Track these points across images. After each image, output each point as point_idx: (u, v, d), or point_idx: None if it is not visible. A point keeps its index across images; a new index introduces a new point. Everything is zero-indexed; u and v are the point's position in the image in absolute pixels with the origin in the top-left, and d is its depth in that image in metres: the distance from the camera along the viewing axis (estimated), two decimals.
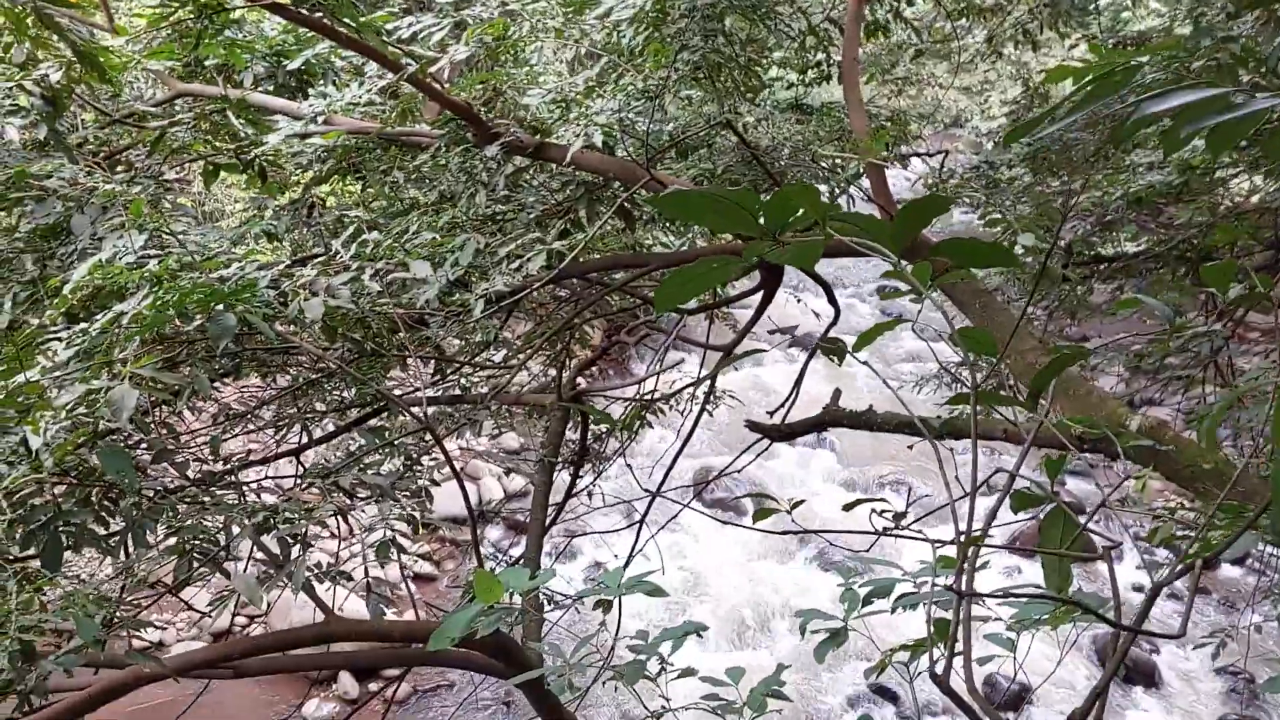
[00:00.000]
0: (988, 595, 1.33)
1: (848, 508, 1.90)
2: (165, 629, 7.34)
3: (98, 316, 2.30)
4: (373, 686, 7.32)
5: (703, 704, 2.12)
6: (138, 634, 2.45)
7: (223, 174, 3.94)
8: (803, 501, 2.12)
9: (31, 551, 2.21)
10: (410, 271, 2.57)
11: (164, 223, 2.91)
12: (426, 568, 8.57)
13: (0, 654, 1.86)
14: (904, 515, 1.83)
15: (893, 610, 2.18)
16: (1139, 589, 8.50)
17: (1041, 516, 1.53)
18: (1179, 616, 7.79)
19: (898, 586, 2.25)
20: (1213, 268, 1.76)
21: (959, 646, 1.46)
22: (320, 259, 2.60)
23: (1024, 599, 1.64)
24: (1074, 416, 3.12)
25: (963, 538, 1.44)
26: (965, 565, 1.29)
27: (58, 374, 2.26)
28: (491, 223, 3.39)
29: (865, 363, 1.65)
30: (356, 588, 2.82)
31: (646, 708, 2.06)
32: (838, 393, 4.51)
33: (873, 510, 1.86)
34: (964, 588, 1.23)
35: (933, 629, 1.91)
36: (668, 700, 2.13)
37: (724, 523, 3.12)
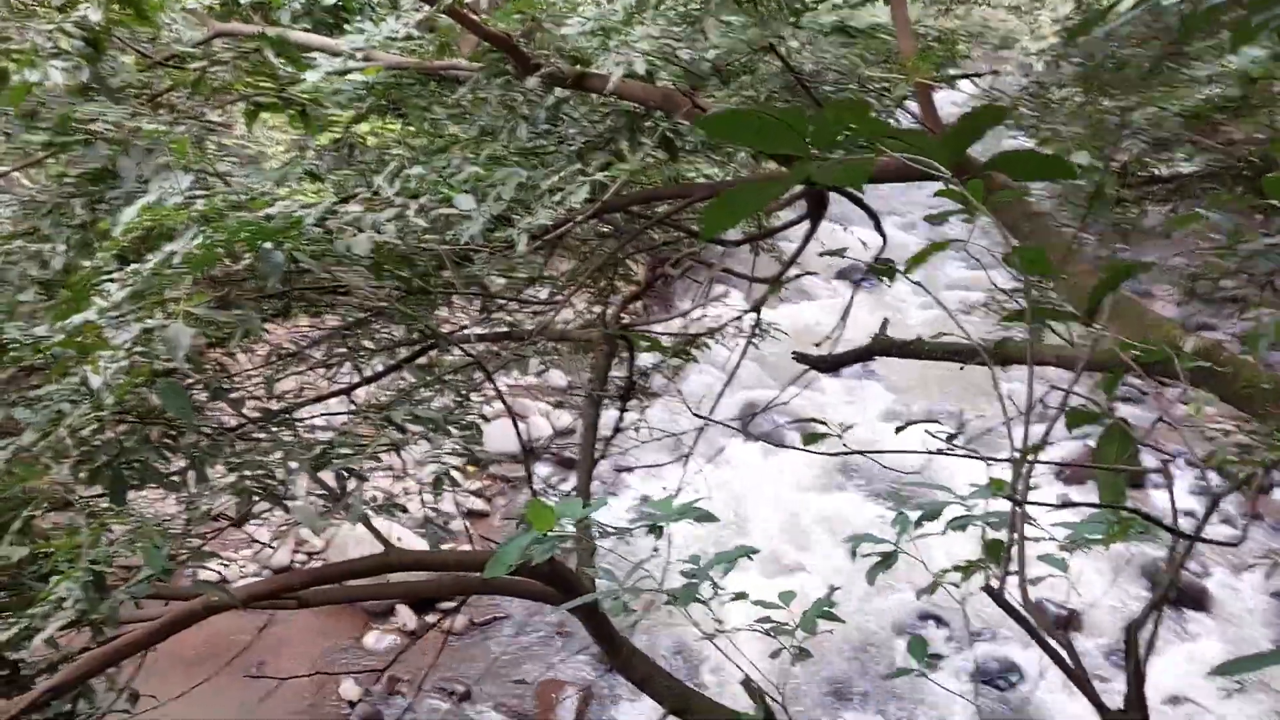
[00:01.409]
0: (1043, 504, 1.32)
1: (900, 429, 1.88)
2: (228, 565, 7.57)
3: (149, 258, 2.33)
4: (429, 619, 7.50)
5: (756, 626, 2.14)
6: (203, 566, 2.52)
7: (264, 115, 3.94)
8: (853, 425, 2.11)
9: (98, 490, 2.28)
10: (454, 206, 2.57)
11: (209, 163, 2.93)
12: (478, 504, 8.71)
13: (74, 585, 1.93)
14: (956, 436, 1.81)
15: (944, 532, 2.18)
16: (1190, 514, 8.42)
17: (1096, 437, 1.50)
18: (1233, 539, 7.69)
19: (949, 509, 2.24)
20: (1275, 178, 1.70)
21: (1013, 564, 1.46)
22: (364, 197, 2.61)
23: (1081, 506, 1.62)
24: (1128, 337, 3.05)
25: (1017, 455, 1.42)
26: (1021, 477, 1.28)
27: (113, 314, 2.30)
28: (533, 156, 3.37)
29: (918, 283, 1.63)
30: (412, 522, 2.89)
31: (701, 631, 2.09)
32: (885, 322, 4.47)
33: (925, 431, 1.85)
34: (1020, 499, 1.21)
35: (986, 549, 1.90)
36: (720, 623, 2.16)
37: (778, 445, 3.11)
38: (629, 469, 6.87)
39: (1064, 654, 1.20)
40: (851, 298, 4.38)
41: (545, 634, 7.47)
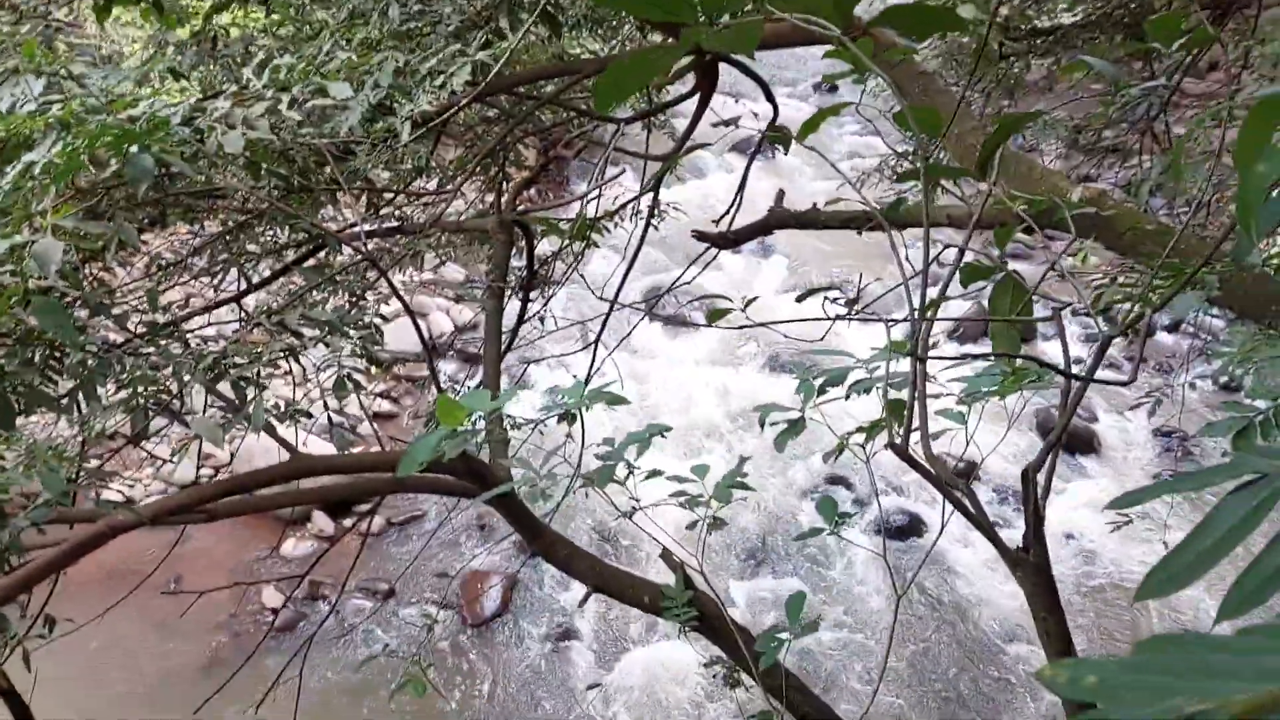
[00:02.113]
0: (942, 358, 1.36)
1: (801, 298, 1.91)
2: (132, 485, 7.39)
3: (7, 170, 2.18)
4: (346, 523, 7.49)
5: (671, 501, 2.19)
6: (105, 486, 2.45)
7: (115, 11, 3.68)
8: (756, 298, 2.13)
9: None
10: (330, 95, 2.45)
11: (62, 65, 2.73)
12: (385, 406, 8.63)
13: None
14: (855, 301, 1.84)
15: (847, 396, 2.23)
16: (1079, 361, 8.82)
17: (990, 291, 1.54)
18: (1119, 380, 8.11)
19: (852, 375, 2.29)
20: (1158, 19, 1.73)
21: (915, 421, 1.50)
22: (233, 92, 2.47)
23: (977, 359, 1.68)
24: (1017, 191, 3.13)
25: (915, 315, 1.45)
26: (920, 334, 1.31)
27: None
28: (408, 39, 3.22)
29: (811, 148, 1.62)
30: (318, 429, 2.83)
31: (618, 509, 2.12)
32: (781, 194, 4.49)
33: (825, 299, 1.87)
34: (919, 354, 1.24)
35: (888, 408, 1.96)
36: (637, 500, 2.20)
37: (683, 325, 3.14)
38: (536, 360, 6.86)
39: (966, 501, 1.25)
40: (746, 170, 4.36)
41: (465, 528, 7.54)
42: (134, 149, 2.15)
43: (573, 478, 2.25)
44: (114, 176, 2.42)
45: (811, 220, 4.34)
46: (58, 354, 2.33)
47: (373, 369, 3.06)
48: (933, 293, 1.53)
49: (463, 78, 2.83)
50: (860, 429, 2.14)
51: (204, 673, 6.51)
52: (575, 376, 4.67)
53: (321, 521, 7.53)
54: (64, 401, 2.30)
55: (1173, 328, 9.22)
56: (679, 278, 5.05)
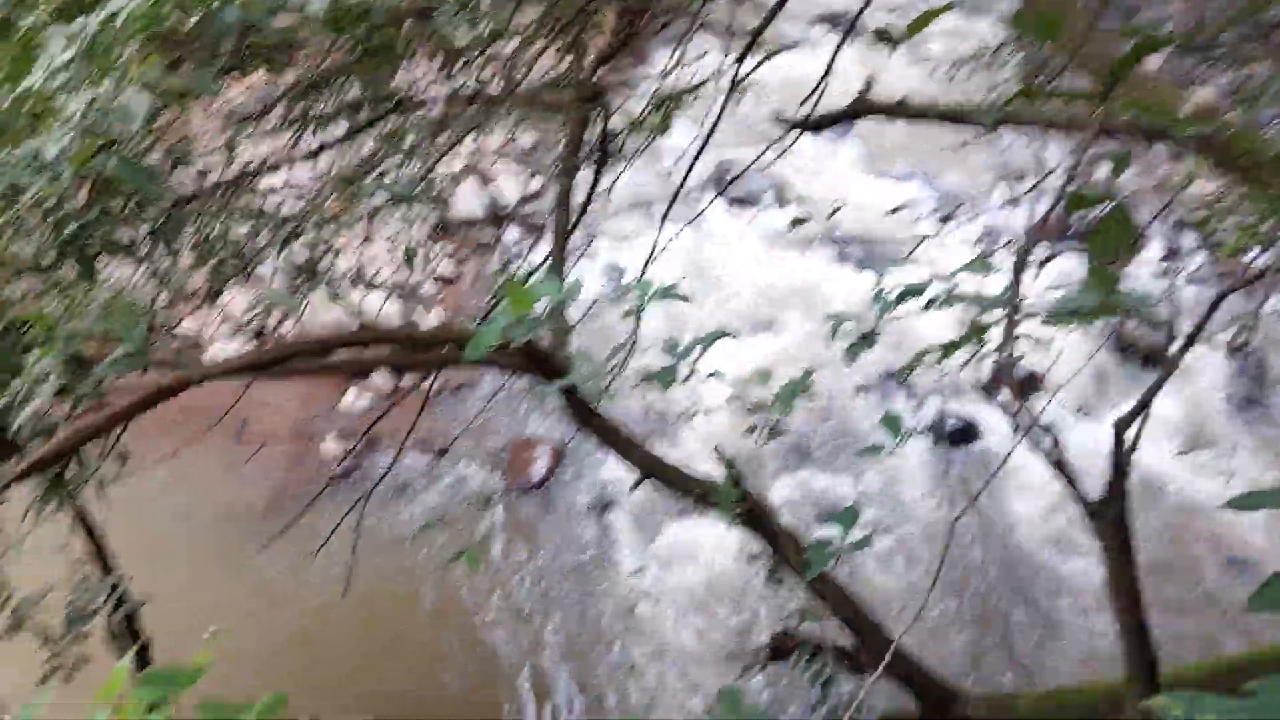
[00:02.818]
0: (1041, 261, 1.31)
1: (892, 212, 1.84)
2: (203, 341, 7.58)
3: (90, 17, 2.16)
4: (405, 383, 7.64)
5: (727, 406, 2.17)
6: (181, 340, 2.50)
7: None
8: (841, 207, 2.06)
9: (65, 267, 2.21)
10: None
11: None
12: (449, 268, 8.67)
13: (53, 361, 1.91)
14: (950, 218, 1.77)
15: (925, 309, 2.18)
16: (1163, 275, 8.54)
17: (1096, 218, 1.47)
18: (1201, 304, 7.81)
19: (930, 287, 2.23)
20: None
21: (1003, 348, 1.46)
22: None
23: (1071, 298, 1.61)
24: (1129, 101, 2.96)
25: (1013, 237, 1.39)
26: (1023, 263, 1.26)
27: (61, 77, 2.16)
28: None
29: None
30: (385, 293, 2.86)
31: (679, 412, 2.12)
32: (870, 82, 4.30)
33: (899, 209, 1.80)
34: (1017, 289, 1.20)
35: (970, 330, 1.91)
36: (698, 402, 2.20)
37: (755, 207, 3.07)
38: (602, 235, 6.81)
39: (1049, 448, 1.22)
40: (835, 52, 4.17)
41: (518, 395, 7.65)
42: (217, 2, 2.12)
43: (621, 358, 2.25)
44: (197, 27, 2.38)
45: (903, 111, 4.16)
46: (138, 206, 2.35)
47: (442, 234, 3.05)
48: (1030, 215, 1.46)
49: None
50: (942, 345, 2.09)
51: (263, 513, 6.79)
52: (639, 253, 4.62)
53: (381, 379, 7.69)
54: (141, 252, 2.34)
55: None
56: (754, 160, 4.94)
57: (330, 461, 7.20)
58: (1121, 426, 1.20)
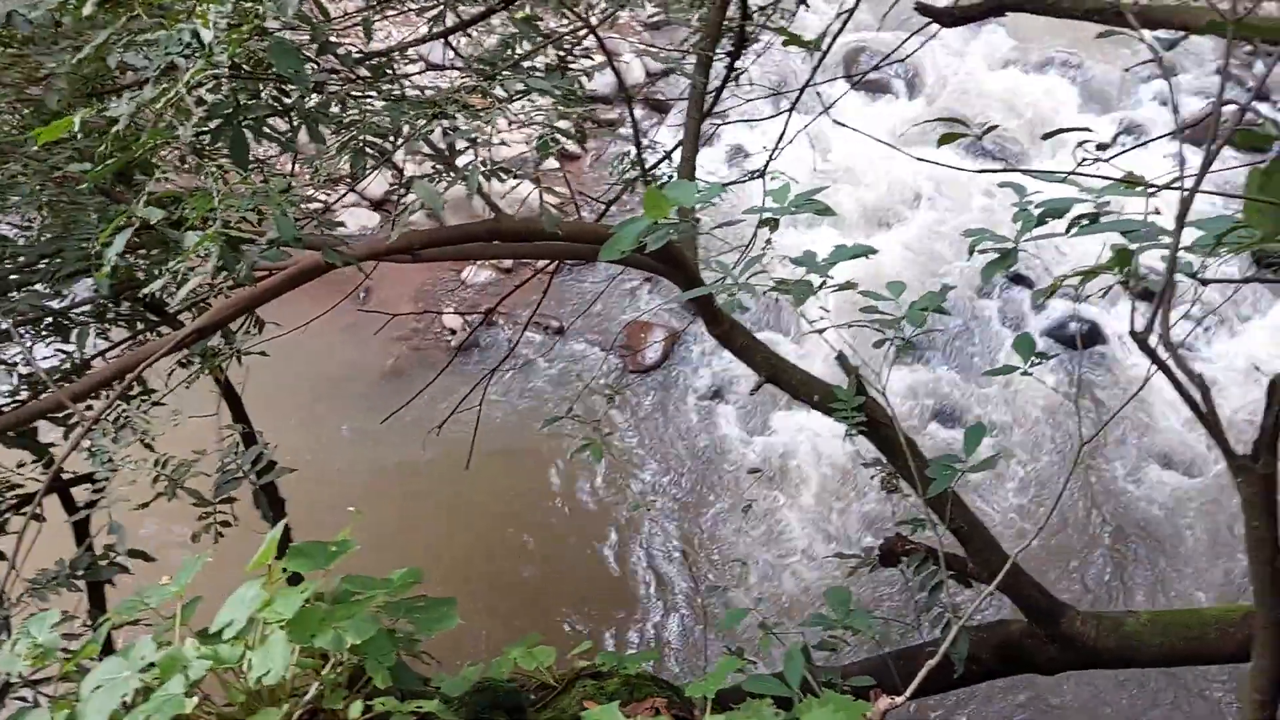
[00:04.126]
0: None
1: (1046, 137, 1.77)
2: (343, 223, 7.75)
3: None
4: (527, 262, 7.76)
5: (863, 318, 2.16)
6: (327, 227, 2.59)
7: None
8: (995, 126, 1.98)
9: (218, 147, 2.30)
10: None
11: None
12: (572, 147, 8.65)
13: (211, 244, 2.02)
14: (1107, 147, 1.69)
15: (1068, 230, 2.11)
16: None
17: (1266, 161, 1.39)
18: None
19: (1077, 206, 2.15)
20: None
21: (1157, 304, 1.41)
22: None
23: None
24: None
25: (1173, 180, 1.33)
26: (1183, 215, 1.21)
27: None
28: None
29: None
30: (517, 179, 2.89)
31: (809, 323, 2.12)
32: None
33: (1079, 141, 1.73)
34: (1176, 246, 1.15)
35: (1115, 257, 1.85)
36: (828, 311, 2.19)
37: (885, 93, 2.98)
38: (729, 121, 6.65)
39: (1199, 398, 1.19)
40: None
41: (637, 281, 7.70)
42: None
43: (753, 271, 2.24)
44: None
45: (1052, 7, 3.94)
46: (285, 91, 2.41)
47: (569, 128, 3.05)
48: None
49: None
50: (1079, 272, 2.03)
51: (384, 379, 7.09)
52: (765, 146, 4.53)
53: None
54: (289, 138, 2.41)
55: None
56: (892, 52, 4.75)
57: (450, 332, 7.43)
58: (1277, 383, 1.16)
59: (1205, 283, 1.49)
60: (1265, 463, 1.20)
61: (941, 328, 7.20)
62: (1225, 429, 1.33)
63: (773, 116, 5.02)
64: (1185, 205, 1.16)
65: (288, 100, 2.44)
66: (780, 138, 4.25)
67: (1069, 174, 1.70)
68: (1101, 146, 1.77)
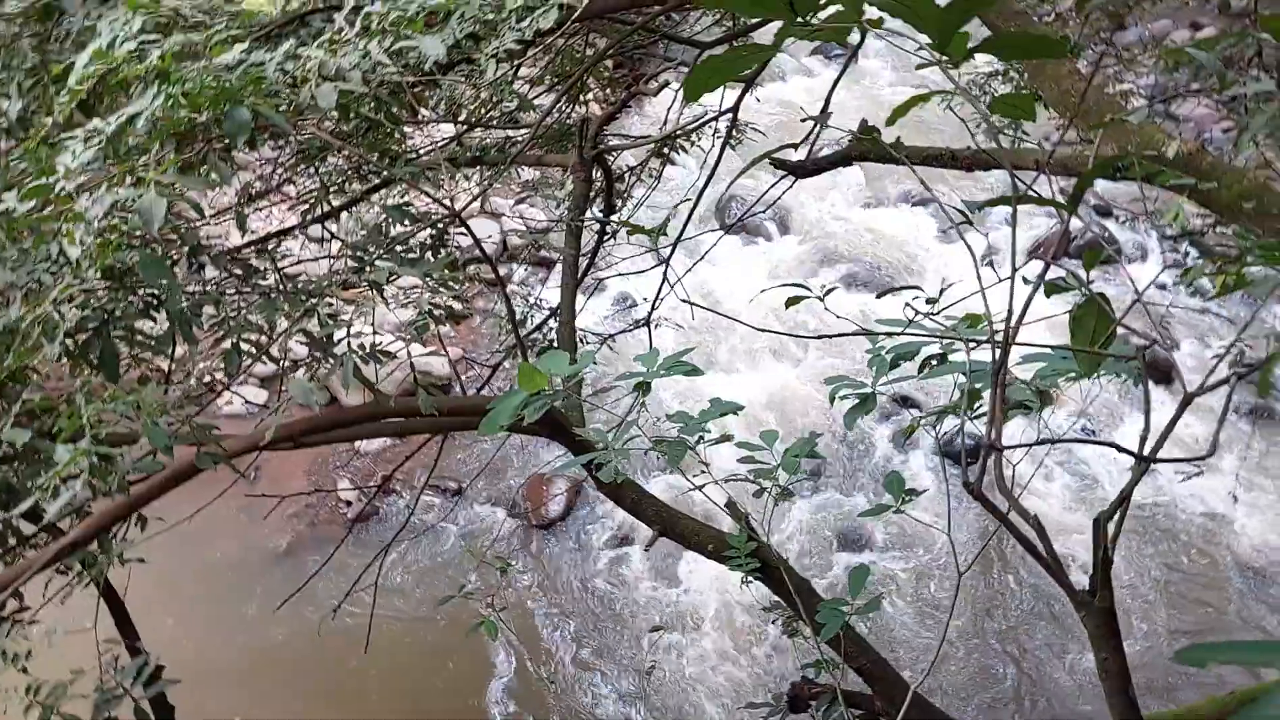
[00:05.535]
0: (1028, 346, 1.37)
1: (880, 295, 1.91)
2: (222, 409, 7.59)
3: (109, 119, 2.26)
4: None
5: (739, 476, 2.24)
6: (206, 433, 2.57)
7: None
8: (834, 289, 2.14)
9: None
10: (420, 47, 2.46)
11: None
12: (459, 307, 8.77)
13: (82, 461, 1.99)
14: (936, 301, 1.84)
15: (919, 375, 2.24)
16: (1162, 287, 8.60)
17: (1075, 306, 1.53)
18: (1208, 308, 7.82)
19: (924, 349, 2.30)
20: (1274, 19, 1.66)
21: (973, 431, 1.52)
22: (326, 40, 2.49)
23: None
24: (1107, 149, 3.04)
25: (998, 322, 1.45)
26: (1001, 361, 1.32)
27: (80, 177, 2.26)
28: None
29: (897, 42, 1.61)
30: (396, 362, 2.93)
31: (690, 480, 2.18)
32: (864, 124, 4.39)
33: (900, 293, 1.87)
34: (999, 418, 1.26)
35: (963, 397, 1.97)
36: (708, 465, 2.26)
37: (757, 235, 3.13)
38: (610, 275, 6.88)
39: (1039, 545, 1.28)
40: (828, 97, 4.27)
41: (534, 437, 7.71)
42: (229, 105, 2.21)
43: (631, 435, 2.31)
44: (212, 123, 2.48)
45: (894, 156, 4.26)
46: (156, 297, 2.43)
47: (453, 302, 3.13)
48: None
49: (550, 20, 2.81)
50: (934, 412, 2.15)
51: (281, 559, 6.87)
52: (646, 299, 4.72)
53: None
54: (161, 345, 2.42)
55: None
56: (755, 202, 5.02)
57: (345, 504, 7.28)
58: (1102, 521, 1.26)
59: (1023, 445, 1.60)
60: (1102, 597, 1.28)
61: (826, 452, 7.38)
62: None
63: (653, 268, 5.25)
64: (1003, 357, 1.27)
65: (160, 301, 2.46)
66: (660, 289, 4.43)
67: (909, 323, 1.83)
68: (930, 301, 1.90)
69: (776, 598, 2.98)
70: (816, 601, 2.67)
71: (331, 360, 2.56)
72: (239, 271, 2.71)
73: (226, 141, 2.52)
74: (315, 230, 3.81)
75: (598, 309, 8.55)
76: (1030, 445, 1.54)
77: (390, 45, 2.45)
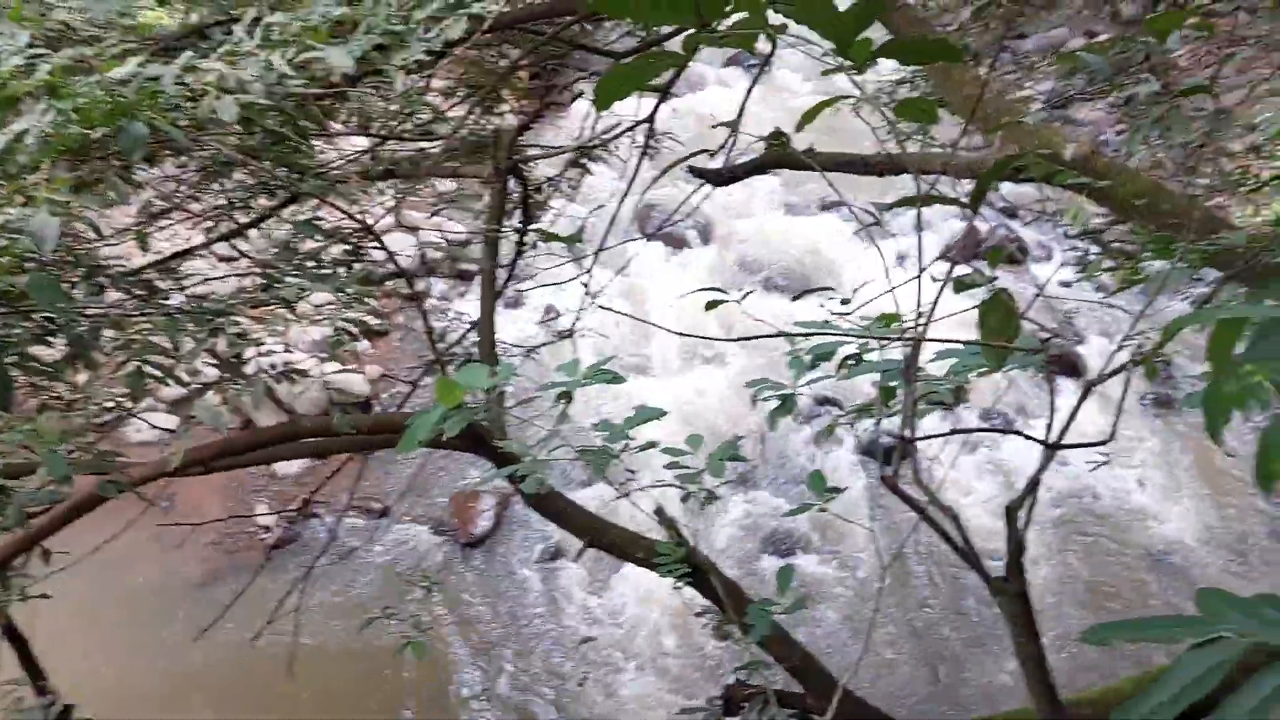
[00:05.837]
0: (940, 338, 1.38)
1: (796, 298, 1.92)
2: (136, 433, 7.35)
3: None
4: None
5: (665, 482, 2.23)
6: (107, 460, 2.48)
7: None
8: (752, 292, 2.15)
9: None
10: (326, 59, 2.41)
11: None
12: (376, 323, 8.62)
13: None
14: (849, 301, 1.86)
15: (837, 374, 2.27)
16: (1067, 284, 8.85)
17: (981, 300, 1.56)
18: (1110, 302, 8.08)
19: (841, 349, 2.32)
20: (1159, 18, 1.72)
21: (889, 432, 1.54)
22: (224, 51, 2.42)
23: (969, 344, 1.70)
24: (1012, 142, 3.12)
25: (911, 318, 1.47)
26: (912, 356, 1.34)
27: None
28: None
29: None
30: (312, 381, 2.88)
31: (615, 487, 2.17)
32: (778, 133, 4.44)
33: (817, 295, 1.89)
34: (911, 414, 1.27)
35: (880, 394, 2.00)
36: (633, 472, 2.25)
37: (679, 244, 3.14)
38: (532, 286, 6.83)
39: (953, 533, 1.30)
40: (744, 103, 4.31)
41: (459, 453, 7.61)
42: (125, 119, 2.13)
43: (570, 459, 2.29)
44: (106, 139, 2.39)
45: (808, 163, 4.32)
46: (52, 320, 2.34)
47: (368, 317, 3.08)
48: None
49: (458, 30, 2.78)
50: (850, 410, 2.18)
51: (200, 588, 6.66)
52: (571, 307, 4.70)
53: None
54: (58, 369, 2.32)
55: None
56: (675, 210, 5.04)
57: (264, 530, 7.09)
58: (1014, 508, 1.29)
59: (938, 436, 1.63)
60: (1017, 582, 1.31)
61: (753, 455, 7.43)
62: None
63: (574, 279, 5.22)
64: (914, 354, 1.29)
65: (58, 325, 2.36)
66: (584, 298, 4.41)
67: (825, 324, 1.85)
68: (844, 301, 1.93)
69: (708, 601, 2.98)
70: (746, 603, 2.68)
71: (241, 381, 2.49)
72: (141, 292, 2.63)
73: (124, 158, 2.44)
74: (224, 249, 3.70)
75: (522, 322, 8.49)
76: (939, 436, 1.57)
77: (294, 56, 2.39)
